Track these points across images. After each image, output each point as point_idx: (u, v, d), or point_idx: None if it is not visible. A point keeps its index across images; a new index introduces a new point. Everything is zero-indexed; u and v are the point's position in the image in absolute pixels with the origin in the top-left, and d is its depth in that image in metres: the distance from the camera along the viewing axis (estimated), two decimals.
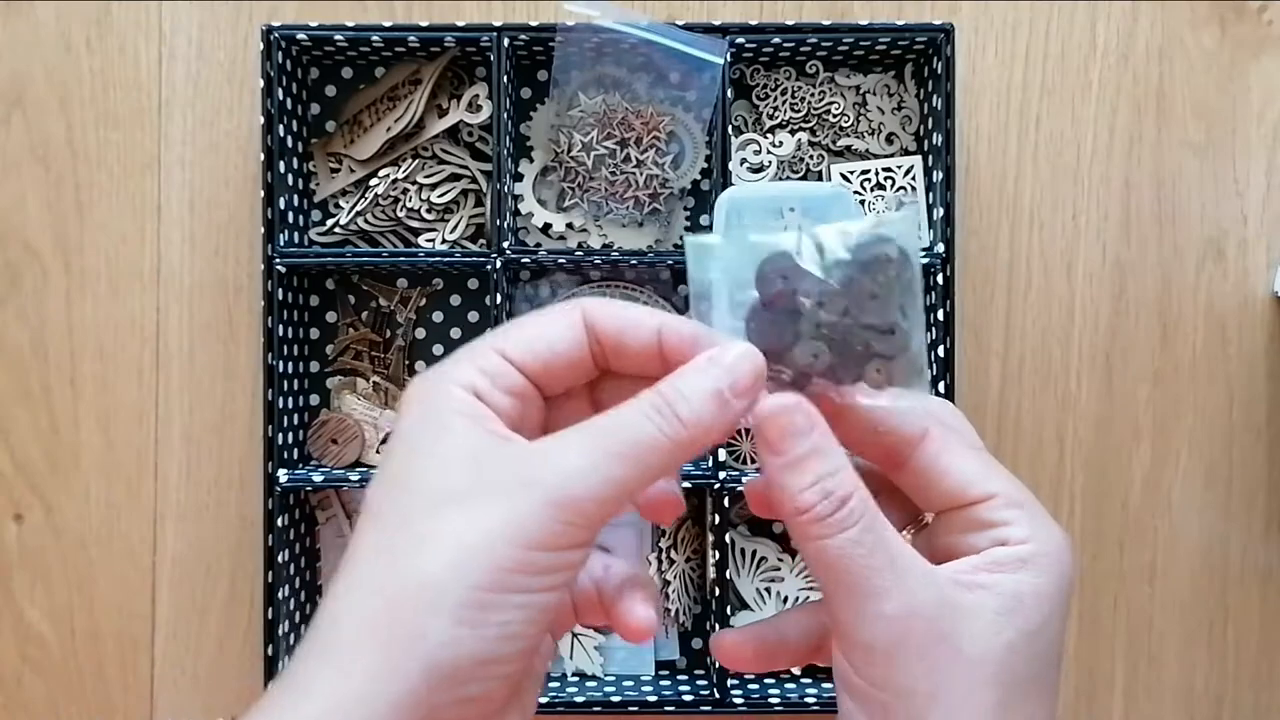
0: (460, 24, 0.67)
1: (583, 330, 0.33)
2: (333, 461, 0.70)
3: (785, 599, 0.70)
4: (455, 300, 0.73)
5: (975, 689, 0.31)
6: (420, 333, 0.73)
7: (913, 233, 0.34)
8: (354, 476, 0.67)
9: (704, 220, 0.73)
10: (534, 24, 0.67)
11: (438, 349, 0.73)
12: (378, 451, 0.70)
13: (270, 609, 0.66)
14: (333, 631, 0.30)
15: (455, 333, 0.73)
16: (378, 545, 0.30)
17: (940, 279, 0.67)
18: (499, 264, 0.66)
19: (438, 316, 0.73)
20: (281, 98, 0.68)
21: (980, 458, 0.37)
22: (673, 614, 0.71)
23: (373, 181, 0.69)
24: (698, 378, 0.31)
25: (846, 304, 0.33)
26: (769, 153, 0.71)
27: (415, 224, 0.71)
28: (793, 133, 0.72)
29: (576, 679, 0.71)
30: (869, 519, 0.32)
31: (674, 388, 0.31)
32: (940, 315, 0.67)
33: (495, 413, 0.32)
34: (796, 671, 0.70)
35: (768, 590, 0.70)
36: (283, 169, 0.68)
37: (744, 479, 0.66)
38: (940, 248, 0.67)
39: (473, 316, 0.73)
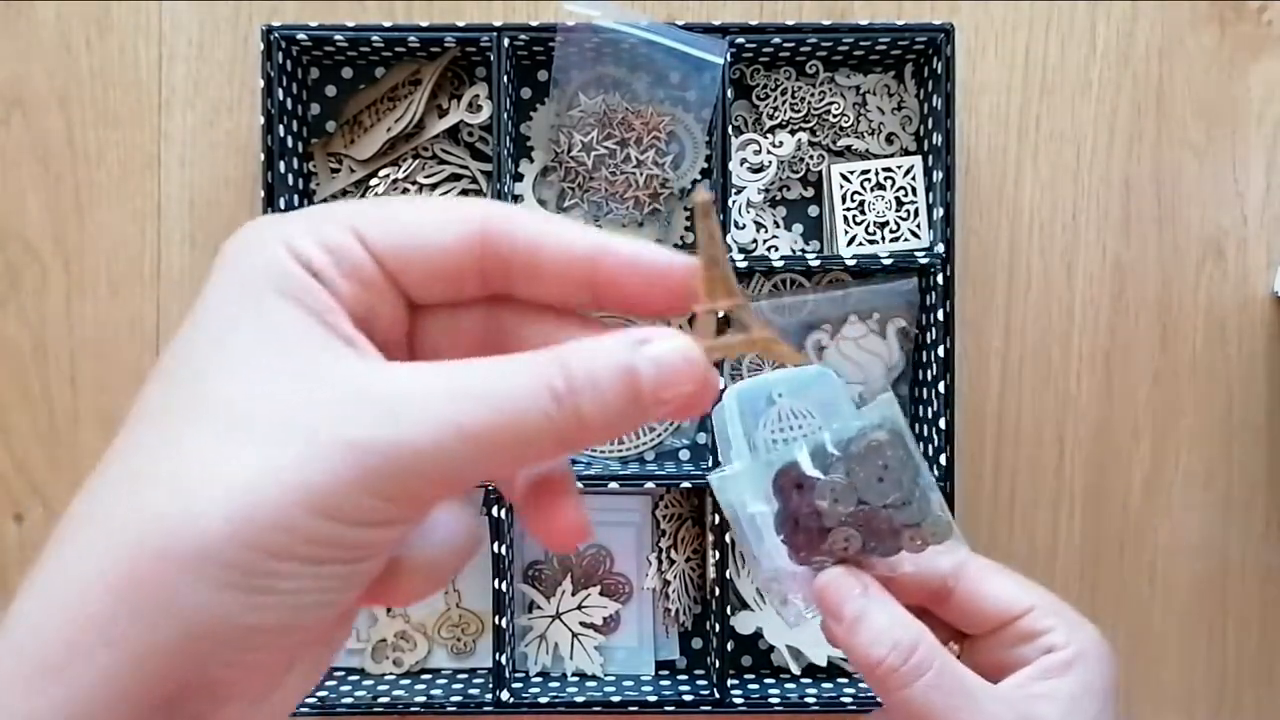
0: (460, 24, 0.67)
1: (476, 240, 0.25)
2: None
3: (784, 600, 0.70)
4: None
5: None
6: None
7: (893, 412, 0.38)
8: None
9: None
10: (534, 24, 0.67)
11: None
12: None
13: None
14: (59, 573, 0.22)
15: None
16: (136, 463, 0.23)
17: (940, 279, 0.67)
18: None
19: None
20: (281, 98, 0.68)
21: (1011, 575, 0.40)
22: (673, 614, 0.71)
23: (373, 182, 0.69)
24: (617, 371, 0.24)
25: (857, 494, 0.36)
26: (769, 153, 0.71)
27: None
28: (793, 133, 0.72)
29: (576, 679, 0.71)
30: (941, 660, 0.35)
31: (587, 372, 0.23)
32: (940, 315, 0.66)
33: (337, 302, 0.24)
34: (796, 671, 0.70)
35: None
36: (283, 169, 0.68)
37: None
38: (940, 248, 0.67)
39: None
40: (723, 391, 0.43)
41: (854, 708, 0.67)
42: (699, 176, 0.72)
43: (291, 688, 0.24)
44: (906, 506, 0.37)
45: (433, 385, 0.23)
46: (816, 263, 0.67)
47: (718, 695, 0.66)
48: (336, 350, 0.23)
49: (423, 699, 0.67)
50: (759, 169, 0.71)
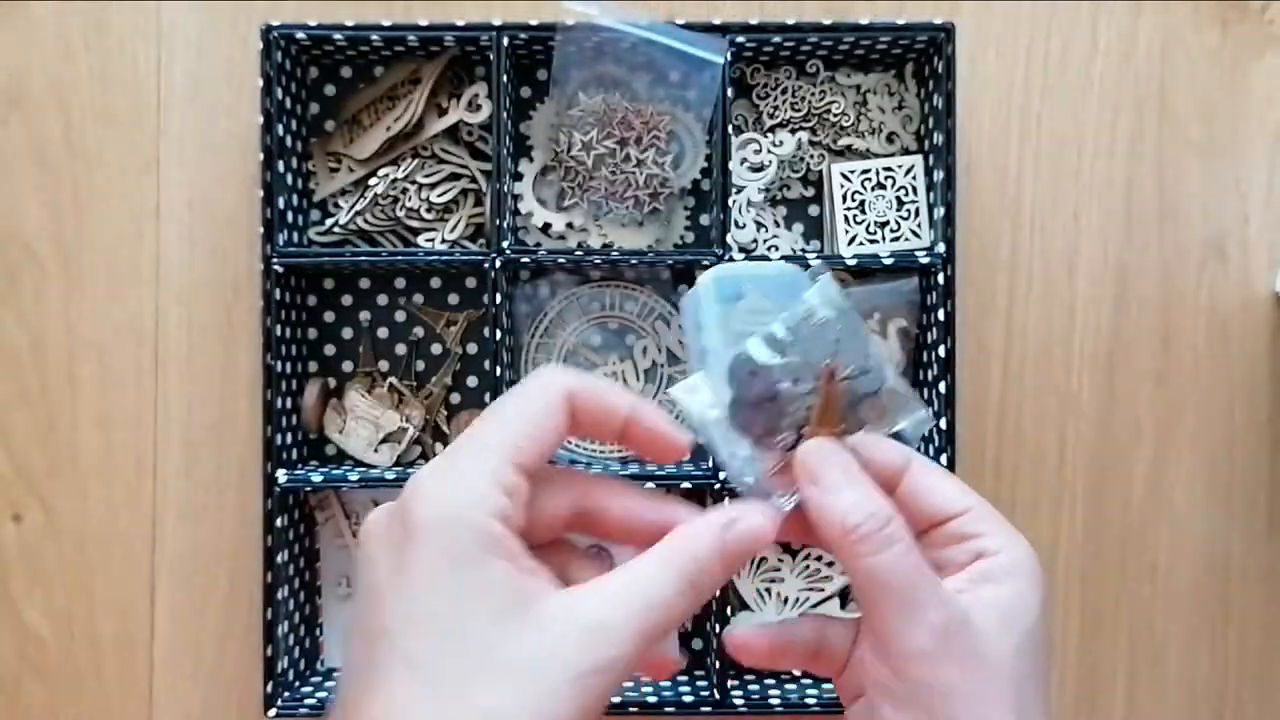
0: (460, 23, 0.67)
1: (564, 416, 0.34)
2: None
3: (785, 599, 0.70)
4: (454, 300, 0.73)
5: (1001, 687, 0.36)
6: (418, 331, 0.73)
7: (832, 291, 0.39)
8: (353, 476, 0.66)
9: (704, 220, 0.73)
10: (534, 23, 0.67)
11: (435, 348, 0.73)
12: (375, 450, 0.70)
13: (269, 610, 0.66)
14: None
15: None
16: (433, 712, 0.29)
17: (941, 279, 0.66)
18: (498, 264, 0.66)
19: None
20: (280, 97, 0.67)
21: (953, 478, 0.41)
22: None
23: (372, 181, 0.69)
24: (720, 554, 0.34)
25: (814, 370, 0.38)
26: (769, 152, 0.71)
27: (414, 223, 0.70)
28: (793, 132, 0.71)
29: None
30: (910, 539, 0.37)
31: (707, 562, 0.33)
32: (941, 316, 0.66)
33: (515, 535, 0.31)
34: (797, 673, 0.70)
35: (768, 590, 0.70)
36: (282, 168, 0.68)
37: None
38: (941, 248, 0.67)
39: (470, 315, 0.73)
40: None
41: None
42: (699, 176, 0.72)
43: None
44: (864, 376, 0.38)
45: (623, 608, 0.31)
46: (817, 262, 0.67)
47: (717, 696, 0.66)
48: (540, 590, 0.31)
49: None
50: (759, 168, 0.71)
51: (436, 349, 0.73)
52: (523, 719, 0.29)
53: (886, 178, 0.71)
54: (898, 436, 0.40)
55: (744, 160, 0.71)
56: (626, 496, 0.37)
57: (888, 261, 0.67)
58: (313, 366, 0.73)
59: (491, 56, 0.66)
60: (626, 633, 0.30)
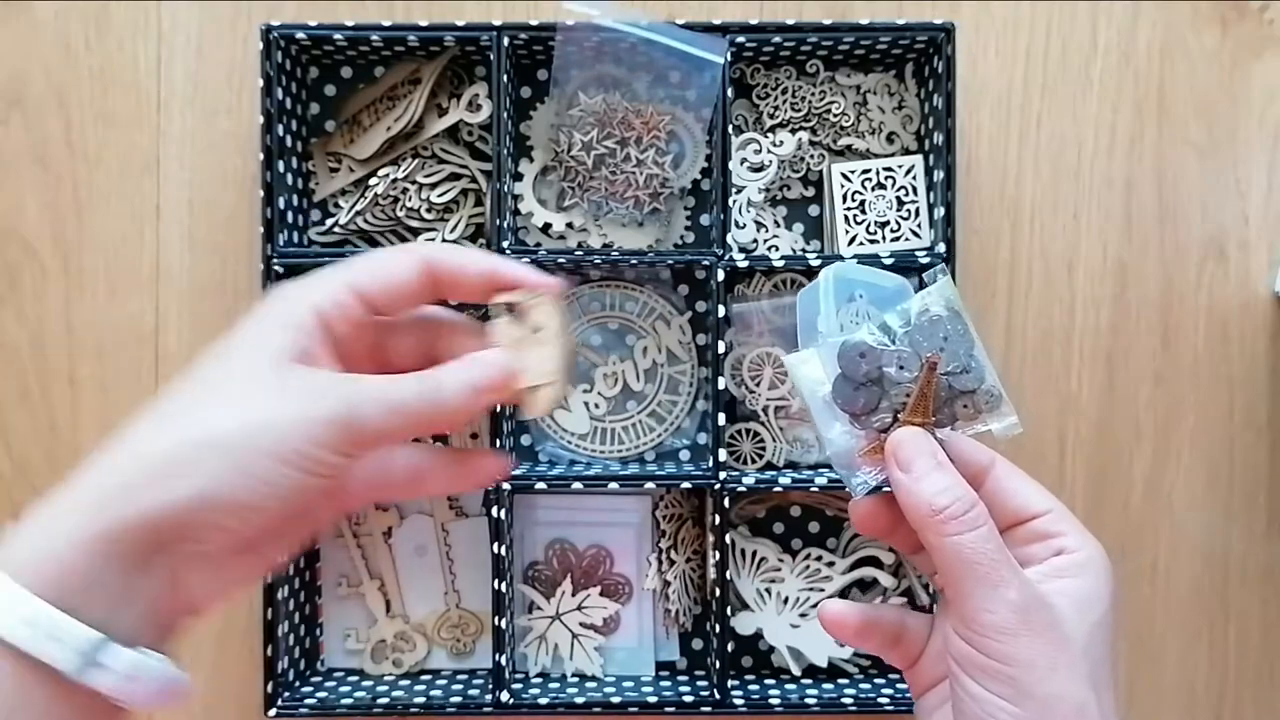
0: (460, 23, 0.67)
1: (416, 271, 0.40)
2: None
3: (785, 599, 0.70)
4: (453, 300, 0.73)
5: (1076, 664, 0.38)
6: None
7: (950, 293, 0.42)
8: None
9: (704, 220, 0.73)
10: (534, 23, 0.67)
11: None
12: None
13: (269, 609, 0.66)
14: (135, 451, 0.38)
15: None
16: (180, 405, 0.38)
17: None
18: None
19: None
20: (281, 97, 0.67)
21: (1034, 481, 0.44)
22: (673, 615, 0.71)
23: (372, 181, 0.69)
24: (458, 373, 0.39)
25: (919, 360, 0.40)
26: (769, 152, 0.71)
27: (415, 223, 0.70)
28: (793, 132, 0.71)
29: (576, 679, 0.71)
30: (991, 525, 0.40)
31: (437, 377, 0.38)
32: None
33: (335, 337, 0.38)
34: (796, 672, 0.70)
35: (768, 591, 0.70)
36: (282, 168, 0.68)
37: (743, 479, 0.66)
38: (941, 248, 0.67)
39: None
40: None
41: (854, 708, 0.67)
42: (699, 176, 0.72)
43: (248, 567, 0.38)
44: (964, 374, 0.41)
45: (366, 384, 0.37)
46: (817, 262, 0.67)
47: (718, 696, 0.66)
48: (305, 363, 0.37)
49: (422, 700, 0.67)
50: (759, 168, 0.71)
51: None
52: (237, 436, 0.35)
53: (886, 178, 0.71)
54: (985, 436, 0.43)
55: (744, 160, 0.71)
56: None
57: (888, 262, 0.67)
58: None
59: (491, 56, 0.67)
60: (370, 417, 0.36)
